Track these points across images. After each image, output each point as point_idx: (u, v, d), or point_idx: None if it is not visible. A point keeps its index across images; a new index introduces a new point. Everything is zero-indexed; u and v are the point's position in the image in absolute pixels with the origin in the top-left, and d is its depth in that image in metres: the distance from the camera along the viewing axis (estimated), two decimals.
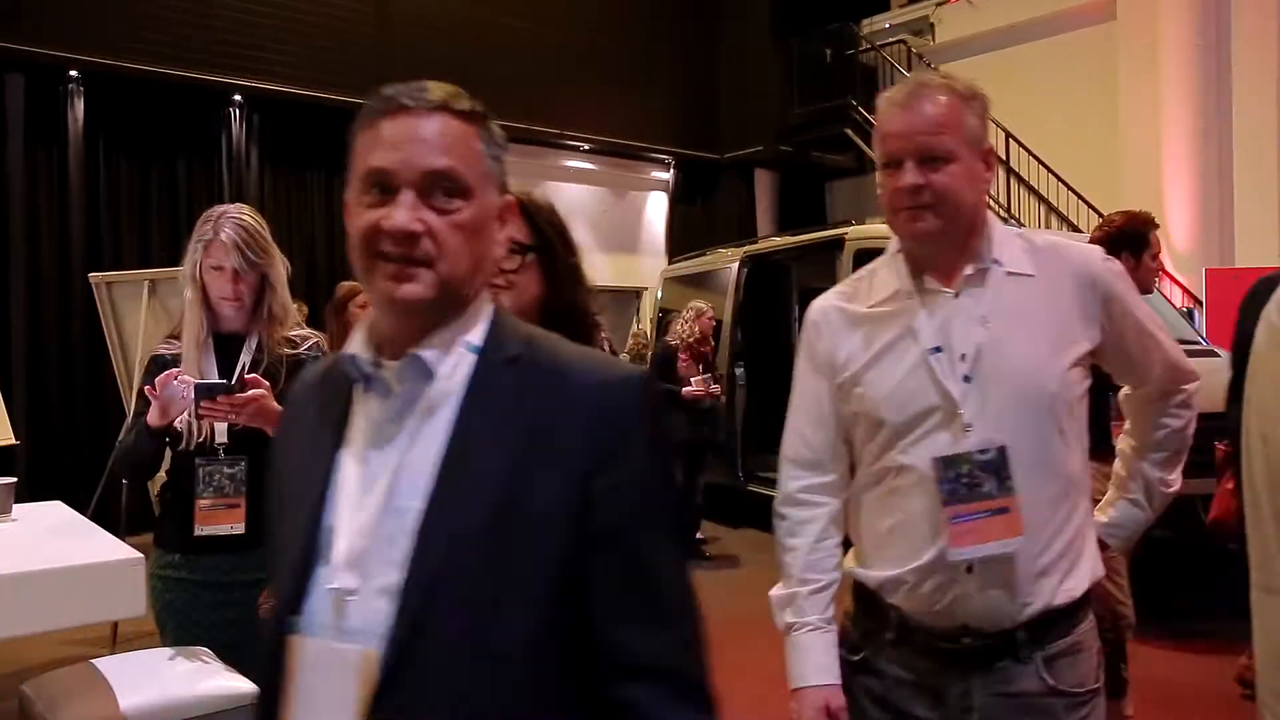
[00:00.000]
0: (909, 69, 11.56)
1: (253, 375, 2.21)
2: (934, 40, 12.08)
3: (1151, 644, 4.59)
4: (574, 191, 11.74)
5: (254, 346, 2.36)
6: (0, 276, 7.71)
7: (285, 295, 2.40)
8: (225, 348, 2.36)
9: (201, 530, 2.26)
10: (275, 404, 2.19)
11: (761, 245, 8.34)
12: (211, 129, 8.74)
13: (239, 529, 2.27)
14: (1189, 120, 9.62)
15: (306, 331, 2.50)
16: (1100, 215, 9.70)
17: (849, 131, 11.40)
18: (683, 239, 11.69)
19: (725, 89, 12.32)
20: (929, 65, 11.63)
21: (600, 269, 11.68)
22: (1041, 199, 10.49)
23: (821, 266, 7.26)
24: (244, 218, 2.31)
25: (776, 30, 11.95)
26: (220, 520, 2.26)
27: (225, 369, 2.32)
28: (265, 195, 9.02)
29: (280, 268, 2.38)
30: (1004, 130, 10.37)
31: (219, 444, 2.29)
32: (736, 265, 8.23)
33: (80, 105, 8.08)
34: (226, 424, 2.23)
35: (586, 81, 11.10)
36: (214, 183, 8.74)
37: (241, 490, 2.28)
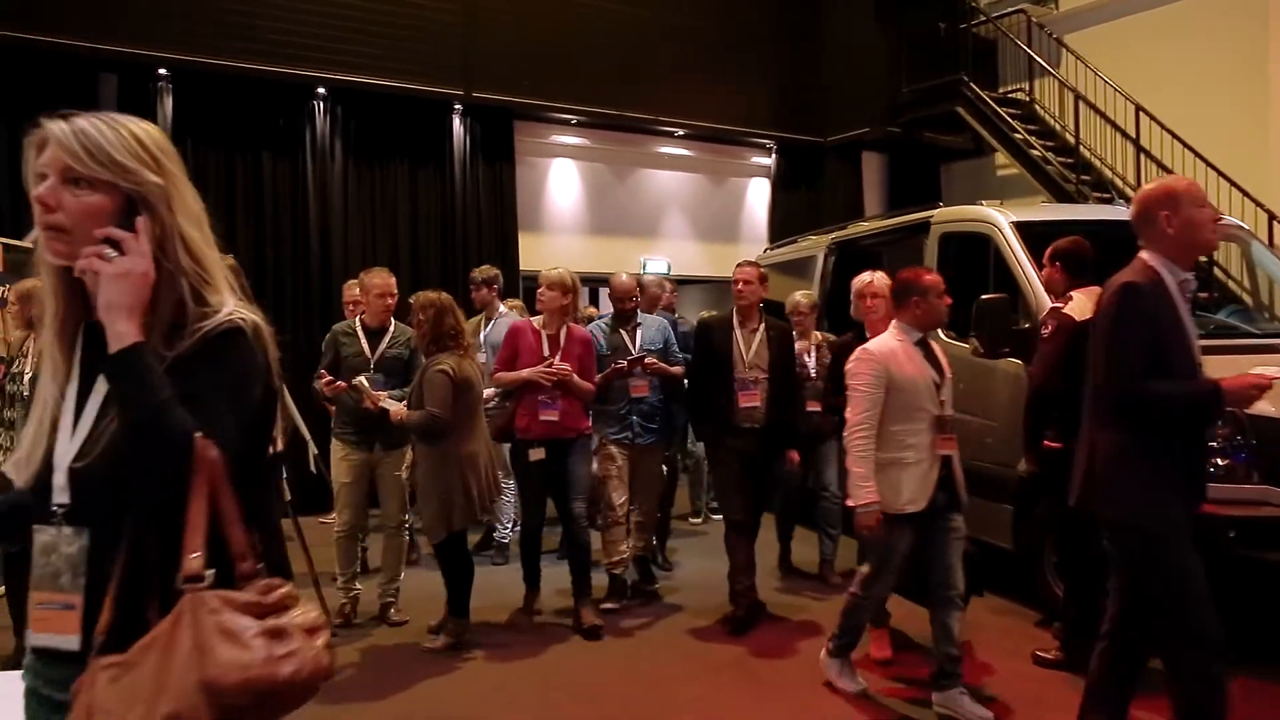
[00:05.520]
0: (1029, 42, 10.74)
1: None
2: (1057, 7, 11.15)
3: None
4: (671, 179, 11.41)
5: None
6: None
7: (194, 238, 1.54)
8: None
9: (35, 640, 1.49)
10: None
11: (850, 231, 7.83)
12: (296, 123, 8.80)
13: (71, 643, 1.44)
14: None
15: (226, 313, 1.51)
16: (1246, 195, 8.76)
17: (961, 110, 10.64)
18: (786, 226, 11.15)
19: (828, 68, 11.68)
20: (1051, 36, 10.77)
21: (696, 259, 11.33)
22: None
23: (912, 252, 6.72)
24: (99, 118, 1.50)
25: (882, 3, 11.27)
26: (51, 626, 1.46)
27: (85, 382, 1.52)
28: (349, 187, 9.04)
29: (183, 196, 1.54)
30: (1133, 103, 9.50)
31: (56, 504, 1.47)
32: (823, 252, 7.76)
33: (169, 102, 8.25)
34: (66, 471, 1.46)
35: (682, 65, 10.70)
36: (298, 175, 8.80)
37: (80, 581, 1.45)
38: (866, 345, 3.98)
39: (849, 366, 3.95)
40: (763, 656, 4.70)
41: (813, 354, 6.08)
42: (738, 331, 5.25)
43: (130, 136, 1.50)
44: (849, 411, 3.88)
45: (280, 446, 4.75)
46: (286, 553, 3.61)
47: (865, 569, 4.05)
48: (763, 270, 5.37)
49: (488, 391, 5.79)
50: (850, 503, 3.84)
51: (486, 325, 6.54)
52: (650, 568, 6.08)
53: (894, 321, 4.00)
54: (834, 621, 4.27)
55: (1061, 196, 9.58)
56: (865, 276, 4.92)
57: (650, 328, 5.81)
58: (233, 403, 1.47)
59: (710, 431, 5.50)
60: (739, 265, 5.39)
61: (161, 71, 8.20)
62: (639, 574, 5.98)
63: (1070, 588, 4.41)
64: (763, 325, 5.29)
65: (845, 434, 3.88)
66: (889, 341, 3.93)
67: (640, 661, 4.70)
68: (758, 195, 12.01)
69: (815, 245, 8.08)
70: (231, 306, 1.52)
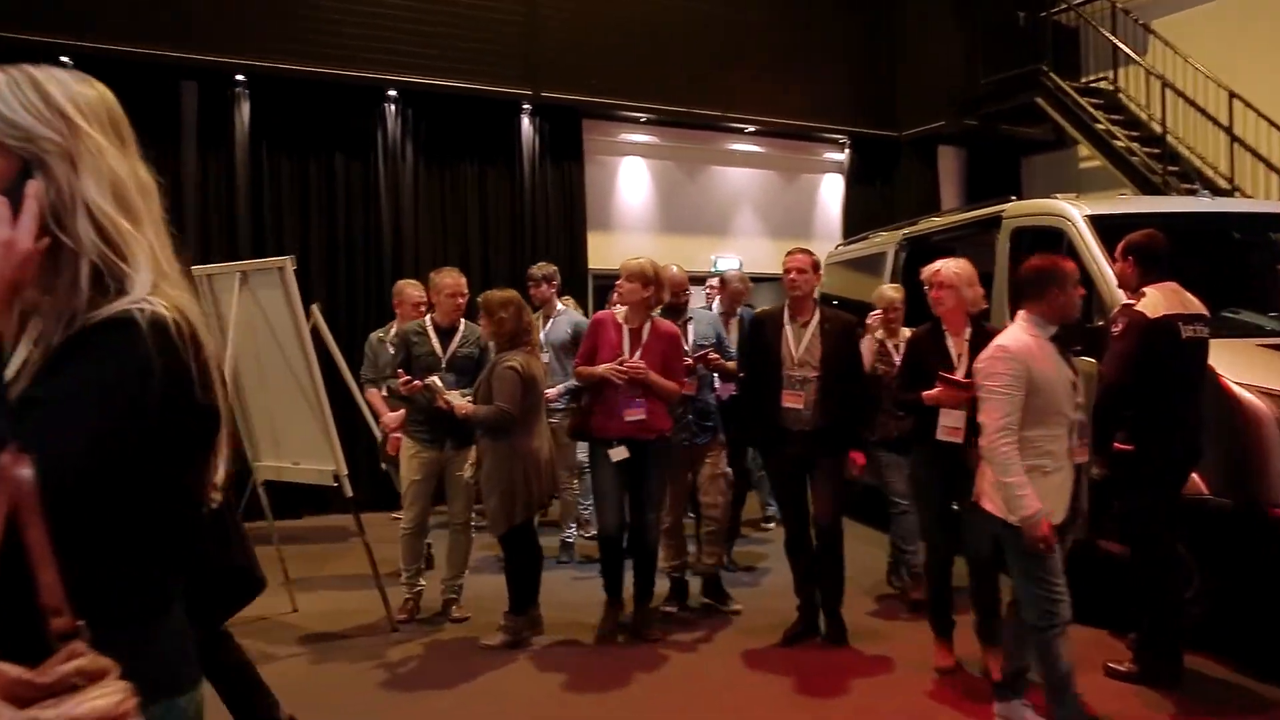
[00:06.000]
0: (1114, 29, 10.36)
1: None
2: None
3: None
4: (742, 175, 11.31)
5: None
6: None
7: (104, 210, 1.24)
8: None
9: None
10: None
11: (921, 226, 7.65)
12: (367, 125, 8.95)
13: None
14: None
15: (127, 300, 1.21)
16: None
17: (1040, 101, 10.30)
18: (861, 223, 10.93)
19: (903, 60, 11.43)
20: (1137, 22, 10.36)
21: (768, 256, 11.20)
22: (1272, 168, 9.10)
23: (984, 247, 6.54)
24: None
25: None
26: None
27: None
28: (420, 188, 9.17)
29: (97, 160, 1.25)
30: (1225, 89, 9.10)
31: None
32: (895, 248, 7.61)
33: (246, 107, 8.47)
34: None
35: (752, 60, 10.59)
36: (370, 177, 8.95)
37: None
38: (1001, 342, 3.53)
39: (981, 365, 3.56)
40: (824, 673, 4.55)
41: (902, 351, 5.47)
42: (788, 326, 4.87)
43: (32, 90, 1.24)
44: (984, 416, 3.48)
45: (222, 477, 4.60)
46: (255, 562, 3.43)
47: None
48: (815, 258, 5.01)
49: (551, 391, 5.78)
50: (1013, 519, 3.39)
51: (545, 324, 6.48)
52: (723, 586, 5.69)
53: (1022, 314, 3.59)
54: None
55: (1147, 188, 9.22)
56: (934, 265, 4.59)
57: (702, 322, 5.63)
58: (89, 410, 1.15)
59: (758, 436, 5.27)
60: (789, 253, 4.97)
61: (239, 78, 8.42)
62: (712, 594, 5.65)
63: (1144, 597, 4.22)
64: (816, 318, 4.88)
65: (984, 442, 3.48)
66: (1023, 336, 3.50)
67: (696, 670, 4.63)
68: (831, 191, 11.83)
69: (887, 241, 7.93)
70: (140, 294, 1.21)
